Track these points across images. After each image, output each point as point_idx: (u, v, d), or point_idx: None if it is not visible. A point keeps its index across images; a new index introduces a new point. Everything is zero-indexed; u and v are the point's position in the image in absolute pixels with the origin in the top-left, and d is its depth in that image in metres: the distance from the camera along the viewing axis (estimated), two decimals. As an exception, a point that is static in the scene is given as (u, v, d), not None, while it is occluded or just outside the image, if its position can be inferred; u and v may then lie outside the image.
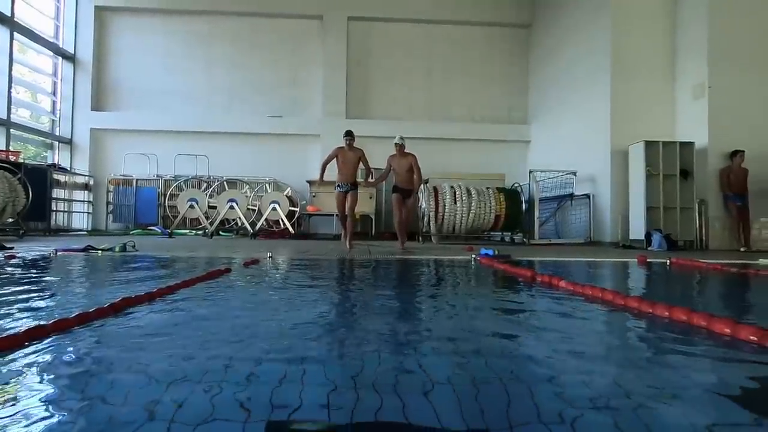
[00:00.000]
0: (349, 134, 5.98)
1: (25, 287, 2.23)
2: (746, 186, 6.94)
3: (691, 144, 7.11)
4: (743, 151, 6.89)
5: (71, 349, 1.16)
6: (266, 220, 9.19)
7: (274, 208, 8.97)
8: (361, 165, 6.11)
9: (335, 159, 6.03)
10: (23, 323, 1.39)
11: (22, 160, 8.30)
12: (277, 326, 1.48)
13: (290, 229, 9.08)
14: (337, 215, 6.92)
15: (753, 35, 7.20)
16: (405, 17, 11.14)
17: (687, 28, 7.58)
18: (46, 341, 1.19)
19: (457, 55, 11.33)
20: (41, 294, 2.04)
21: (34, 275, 2.78)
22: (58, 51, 10.41)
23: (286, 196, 9.62)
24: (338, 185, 6.05)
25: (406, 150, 6.20)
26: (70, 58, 10.59)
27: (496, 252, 4.46)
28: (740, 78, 7.09)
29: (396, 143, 6.17)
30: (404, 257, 4.44)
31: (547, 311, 1.87)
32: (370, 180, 6.49)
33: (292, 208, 9.51)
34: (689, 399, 0.89)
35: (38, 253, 4.17)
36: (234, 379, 0.93)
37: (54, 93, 10.57)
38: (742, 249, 6.73)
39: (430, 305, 2.00)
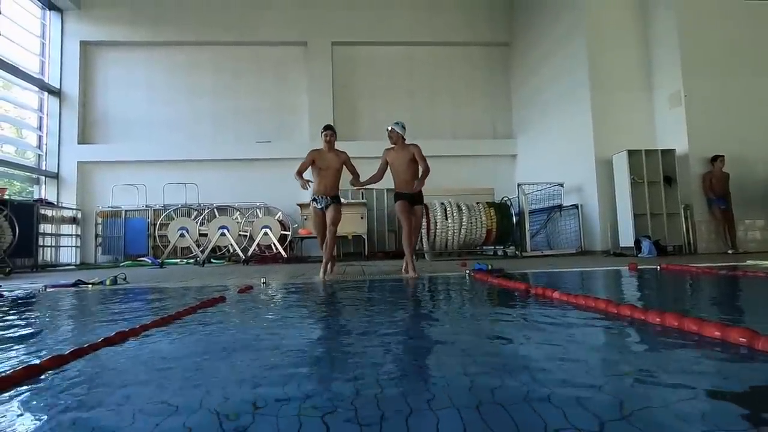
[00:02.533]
0: (329, 128, 4.63)
1: (13, 326, 2.19)
2: (728, 189, 7.11)
3: (672, 151, 7.30)
4: (723, 156, 7.09)
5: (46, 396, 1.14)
6: (258, 245, 9.14)
7: (265, 233, 8.93)
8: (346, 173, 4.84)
9: (311, 167, 4.70)
10: (11, 364, 1.36)
11: (7, 197, 8.20)
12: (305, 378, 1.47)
13: (283, 253, 9.03)
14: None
15: (722, 43, 7.50)
16: (387, 40, 11.43)
17: (659, 40, 7.87)
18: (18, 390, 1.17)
19: (440, 74, 11.61)
20: (28, 333, 2.00)
21: (22, 314, 2.72)
22: (43, 86, 10.45)
23: (278, 220, 9.59)
24: (314, 199, 4.75)
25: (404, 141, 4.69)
26: (55, 92, 10.62)
27: (490, 266, 4.48)
28: (713, 85, 7.36)
29: (389, 128, 4.67)
30: (399, 277, 4.43)
31: (543, 321, 1.88)
32: (358, 182, 4.79)
33: (284, 232, 9.47)
34: (684, 404, 0.90)
35: (27, 290, 4.09)
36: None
37: (40, 128, 10.54)
38: (729, 251, 6.85)
39: (440, 324, 2.01)
